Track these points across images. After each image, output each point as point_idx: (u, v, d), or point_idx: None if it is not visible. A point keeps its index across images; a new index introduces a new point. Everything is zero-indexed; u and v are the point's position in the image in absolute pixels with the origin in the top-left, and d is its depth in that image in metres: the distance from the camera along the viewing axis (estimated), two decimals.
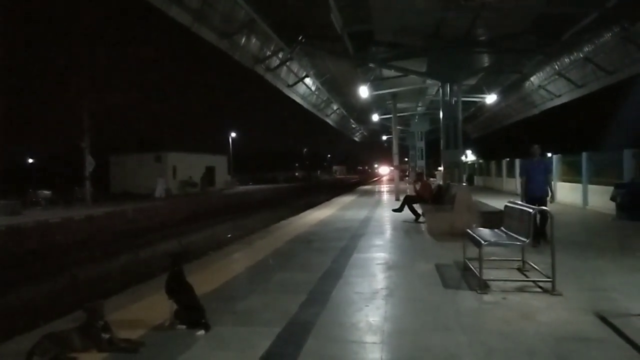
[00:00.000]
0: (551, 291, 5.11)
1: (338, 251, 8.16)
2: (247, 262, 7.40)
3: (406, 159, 47.03)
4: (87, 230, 19.45)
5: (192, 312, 4.24)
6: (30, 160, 60.36)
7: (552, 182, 8.31)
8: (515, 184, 22.36)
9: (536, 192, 8.06)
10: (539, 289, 5.29)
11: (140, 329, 4.21)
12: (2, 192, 26.57)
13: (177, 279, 4.31)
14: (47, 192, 27.27)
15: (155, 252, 14.70)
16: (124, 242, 17.14)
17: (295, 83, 19.23)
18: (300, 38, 13.75)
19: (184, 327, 4.18)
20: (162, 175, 35.57)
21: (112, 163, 39.92)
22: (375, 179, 62.52)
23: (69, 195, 28.66)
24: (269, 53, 15.13)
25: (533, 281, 5.55)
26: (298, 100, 21.56)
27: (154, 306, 4.84)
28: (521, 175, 8.51)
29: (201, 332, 4.09)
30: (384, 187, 33.66)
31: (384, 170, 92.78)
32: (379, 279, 6.07)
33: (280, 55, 15.74)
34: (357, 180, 73.90)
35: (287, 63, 16.81)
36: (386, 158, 74.76)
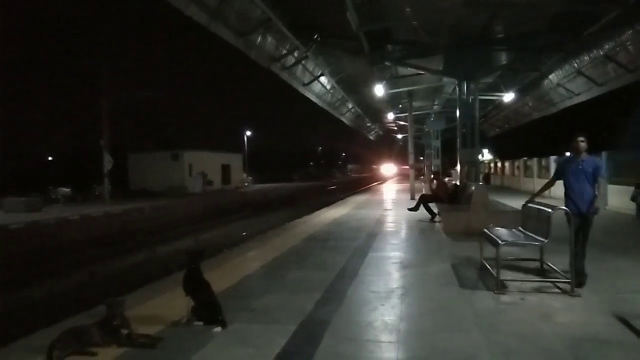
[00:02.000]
0: (570, 292, 5.05)
1: (353, 250, 8.15)
2: (262, 260, 7.43)
3: (421, 158, 46.74)
4: (105, 227, 19.72)
5: (208, 309, 4.28)
6: (50, 158, 61.40)
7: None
8: (533, 184, 22.08)
9: (580, 206, 5.44)
10: (557, 290, 5.23)
11: (157, 325, 4.26)
12: (22, 189, 27.10)
13: (194, 276, 4.35)
14: (66, 190, 27.75)
15: (172, 249, 14.86)
16: (141, 239, 17.35)
17: (311, 82, 19.22)
18: (315, 37, 13.75)
19: (200, 323, 4.22)
20: (199, 171, 36.47)
21: (130, 161, 40.40)
22: (372, 184, 46.52)
23: (88, 193, 29.14)
24: (284, 52, 15.14)
25: (551, 282, 5.48)
26: (313, 99, 21.55)
27: (171, 303, 4.89)
28: (556, 178, 6.04)
29: (218, 329, 4.12)
30: (396, 187, 33.49)
31: (388, 169, 75.87)
32: (395, 278, 6.05)
33: (295, 54, 15.75)
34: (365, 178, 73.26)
35: (303, 62, 16.80)
36: (392, 156, 71.18)
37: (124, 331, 3.85)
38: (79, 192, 28.60)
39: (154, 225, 21.40)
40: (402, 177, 54.30)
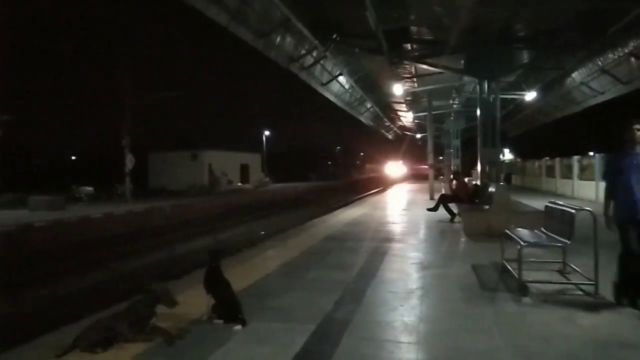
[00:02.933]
0: (594, 295, 4.95)
1: (371, 250, 8.13)
2: (281, 259, 7.46)
3: (441, 157, 46.35)
4: (127, 225, 20.04)
5: (229, 307, 4.32)
6: (74, 157, 62.64)
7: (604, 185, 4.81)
8: (556, 184, 21.72)
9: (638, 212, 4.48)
10: (580, 292, 5.13)
11: (178, 323, 4.31)
12: (46, 188, 27.72)
13: (215, 274, 4.40)
14: (89, 189, 28.32)
15: (192, 248, 15.04)
16: (161, 237, 17.58)
17: (329, 81, 19.22)
18: (334, 36, 13.72)
19: (221, 321, 4.26)
20: (225, 172, 37.00)
21: (150, 160, 40.98)
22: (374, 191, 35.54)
23: (110, 192, 29.66)
24: (303, 52, 15.17)
25: (575, 284, 5.39)
26: (332, 98, 21.54)
27: (192, 300, 4.93)
28: (606, 179, 5.04)
29: (238, 327, 4.16)
30: (414, 187, 33.26)
31: (393, 169, 65.44)
32: (414, 279, 6.02)
33: (314, 54, 15.76)
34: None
35: (321, 61, 16.80)
36: (408, 154, 64.38)
37: (153, 320, 3.92)
38: (101, 191, 29.13)
39: (175, 223, 21.67)
40: (417, 177, 53.67)
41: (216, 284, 4.36)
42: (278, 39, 13.46)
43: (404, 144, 59.05)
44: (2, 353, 4.07)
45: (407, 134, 48.60)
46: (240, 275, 6.15)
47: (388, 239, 9.43)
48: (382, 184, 49.51)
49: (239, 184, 43.56)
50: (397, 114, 32.05)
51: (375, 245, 8.58)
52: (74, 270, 12.26)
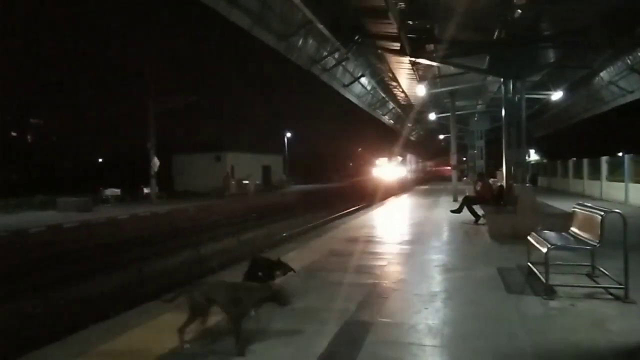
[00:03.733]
0: (623, 299, 4.83)
1: (394, 253, 8.09)
2: (303, 261, 7.47)
3: (464, 159, 45.73)
4: (152, 226, 20.38)
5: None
6: (100, 160, 64.02)
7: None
8: (584, 185, 21.22)
9: None
10: (610, 296, 5.02)
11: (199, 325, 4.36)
12: (74, 190, 28.42)
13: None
14: (115, 190, 28.87)
15: (213, 249, 15.24)
16: (186, 238, 17.82)
17: (351, 83, 19.23)
18: (356, 38, 13.73)
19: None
20: (251, 174, 37.51)
21: (174, 162, 41.59)
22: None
23: (135, 193, 30.22)
24: (325, 54, 15.22)
25: (603, 288, 5.26)
26: (353, 100, 21.54)
27: None
28: None
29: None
30: (437, 187, 32.93)
31: (383, 168, 45.37)
32: (438, 282, 5.97)
33: (336, 56, 15.79)
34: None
35: (343, 63, 16.83)
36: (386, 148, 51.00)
37: (251, 314, 3.79)
38: (127, 192, 29.70)
39: (198, 224, 21.95)
40: (435, 178, 52.87)
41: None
42: (300, 41, 13.54)
43: (427, 145, 58.46)
44: (31, 352, 4.19)
45: (430, 135, 48.18)
46: None
47: (410, 241, 9.37)
48: (397, 186, 49.07)
49: (264, 185, 43.89)
50: (419, 115, 31.69)
51: (397, 248, 8.54)
52: (102, 269, 12.52)
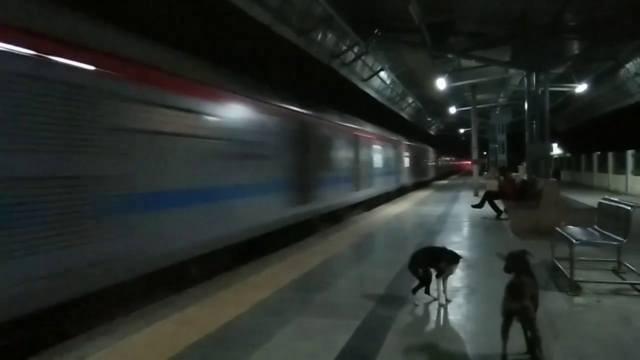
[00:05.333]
0: None
1: (415, 247, 8.03)
2: (323, 255, 7.50)
3: (485, 153, 45.22)
4: None
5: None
6: None
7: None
8: (608, 180, 20.78)
9: None
10: (637, 293, 4.93)
11: (225, 317, 4.43)
12: None
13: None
14: None
15: None
16: None
17: (370, 77, 19.13)
18: (376, 31, 13.66)
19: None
20: None
21: None
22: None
23: None
24: (344, 48, 15.17)
25: (630, 284, 5.17)
26: (372, 94, 21.45)
27: (239, 295, 5.07)
28: None
29: None
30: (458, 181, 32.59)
31: None
32: (460, 277, 5.91)
33: (355, 50, 15.73)
34: None
35: (362, 57, 16.76)
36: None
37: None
38: None
39: None
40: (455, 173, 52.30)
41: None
42: (319, 35, 13.52)
43: (447, 140, 57.90)
44: (58, 344, 4.30)
45: (449, 129, 47.76)
46: (283, 270, 6.28)
47: (431, 235, 9.30)
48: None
49: None
50: (439, 109, 31.42)
51: (418, 242, 8.49)
52: None
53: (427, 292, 4.83)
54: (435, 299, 4.76)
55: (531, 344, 3.33)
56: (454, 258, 4.71)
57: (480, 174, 27.59)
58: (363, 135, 15.96)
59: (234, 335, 3.98)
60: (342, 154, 13.32)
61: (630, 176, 18.21)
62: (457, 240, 8.76)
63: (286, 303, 4.86)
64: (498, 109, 30.66)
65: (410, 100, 28.23)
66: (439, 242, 8.49)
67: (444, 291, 4.72)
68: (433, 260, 4.74)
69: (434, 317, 4.42)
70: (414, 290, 4.76)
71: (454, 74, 18.23)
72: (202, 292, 5.28)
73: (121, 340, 3.89)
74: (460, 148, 62.16)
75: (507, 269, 3.58)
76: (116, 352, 3.67)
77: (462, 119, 34.49)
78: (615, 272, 5.74)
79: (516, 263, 3.54)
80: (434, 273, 4.75)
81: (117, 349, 3.72)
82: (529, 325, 3.26)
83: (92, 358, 3.56)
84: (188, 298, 5.09)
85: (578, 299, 4.78)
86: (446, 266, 4.67)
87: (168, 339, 3.92)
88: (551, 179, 11.69)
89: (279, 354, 3.63)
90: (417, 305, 4.67)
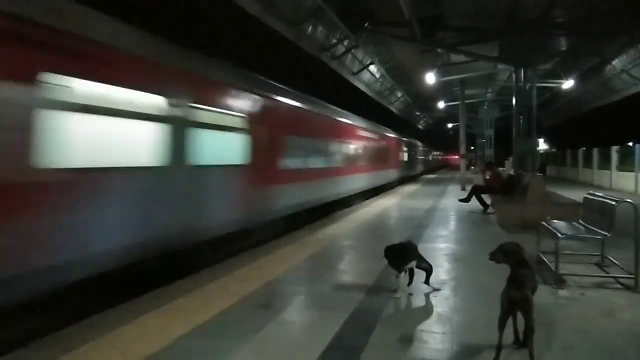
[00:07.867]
0: (634, 288, 4.84)
1: (403, 240, 8.09)
2: (313, 248, 7.53)
3: (472, 147, 45.50)
4: None
5: None
6: None
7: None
8: (593, 175, 21.07)
9: None
10: (620, 286, 5.03)
11: (212, 311, 4.43)
12: None
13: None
14: None
15: None
16: None
17: (360, 70, 19.14)
18: (366, 25, 13.64)
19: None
20: None
21: None
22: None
23: None
24: (334, 41, 15.14)
25: (613, 277, 5.27)
26: (362, 88, 21.46)
27: (228, 288, 5.07)
28: None
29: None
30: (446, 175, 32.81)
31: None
32: (447, 270, 5.99)
33: (345, 43, 15.72)
34: None
35: (352, 50, 16.75)
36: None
37: None
38: None
39: None
40: (442, 167, 52.73)
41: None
42: (309, 28, 13.47)
43: (435, 134, 58.16)
44: (57, 330, 4.26)
45: (437, 124, 47.99)
46: (273, 264, 6.28)
47: (419, 229, 9.38)
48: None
49: None
50: (428, 103, 31.56)
51: (406, 235, 8.54)
52: None
53: (427, 282, 5.16)
54: (435, 289, 5.06)
55: (525, 335, 3.39)
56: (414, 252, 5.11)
57: (468, 168, 27.79)
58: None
59: (223, 327, 3.99)
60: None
61: (614, 172, 18.50)
62: (445, 234, 8.85)
63: (274, 296, 4.88)
64: (486, 104, 30.90)
65: (399, 95, 28.28)
66: (427, 236, 8.58)
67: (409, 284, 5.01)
68: (406, 255, 5.04)
69: (421, 309, 4.47)
70: (426, 282, 5.11)
71: (443, 69, 18.31)
72: (192, 284, 5.27)
73: (111, 331, 3.88)
74: (448, 142, 62.54)
75: (496, 258, 3.66)
76: (105, 344, 3.65)
77: (450, 114, 34.69)
78: (599, 265, 5.85)
79: (512, 256, 3.60)
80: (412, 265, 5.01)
81: (106, 341, 3.71)
82: (526, 315, 3.33)
83: (81, 350, 3.54)
84: (177, 290, 5.08)
85: (563, 292, 4.86)
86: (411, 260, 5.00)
87: (157, 331, 3.91)
88: (537, 174, 11.82)
89: (268, 345, 3.65)
90: (411, 294, 4.85)
